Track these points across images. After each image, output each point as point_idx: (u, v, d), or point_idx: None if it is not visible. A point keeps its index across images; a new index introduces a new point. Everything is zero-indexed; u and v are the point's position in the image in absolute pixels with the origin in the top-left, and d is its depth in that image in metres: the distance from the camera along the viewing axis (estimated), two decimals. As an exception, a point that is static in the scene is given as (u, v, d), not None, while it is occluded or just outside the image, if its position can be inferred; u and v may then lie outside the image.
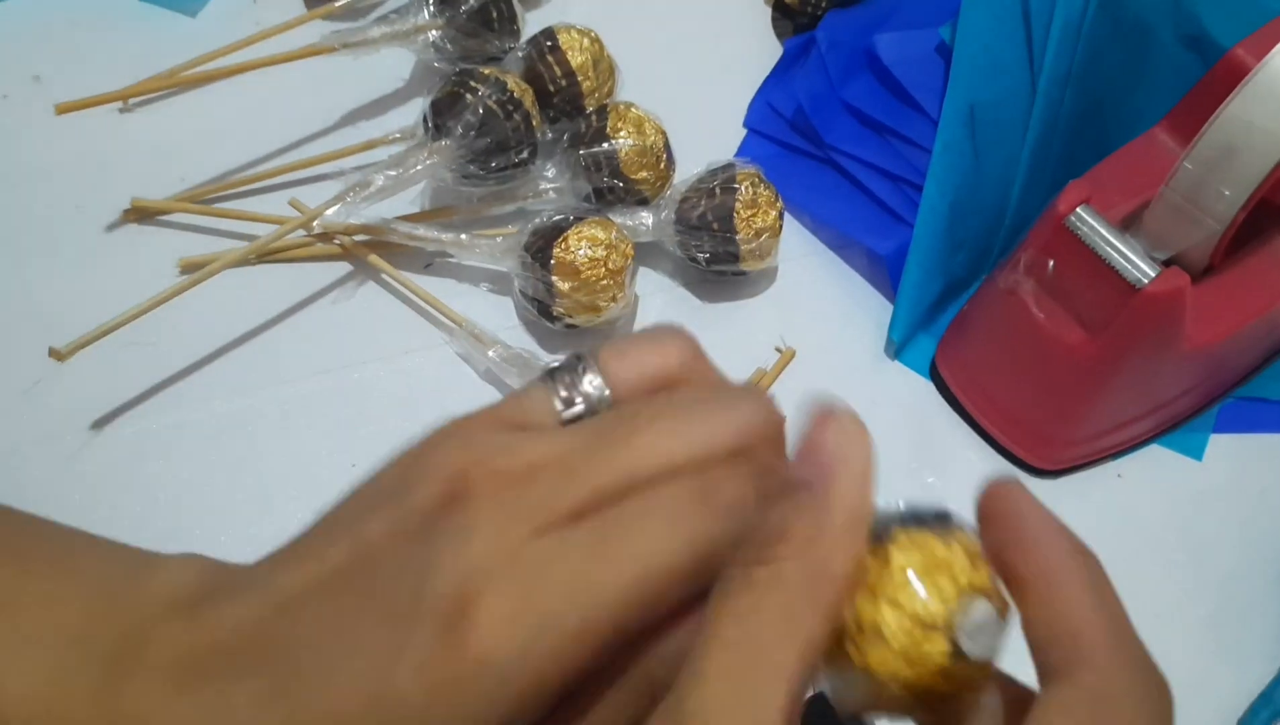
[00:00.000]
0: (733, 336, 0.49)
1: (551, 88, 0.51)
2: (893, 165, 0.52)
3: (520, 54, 0.52)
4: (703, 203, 0.48)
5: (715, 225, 0.48)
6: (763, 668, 0.21)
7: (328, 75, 0.53)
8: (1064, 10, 0.46)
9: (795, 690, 0.21)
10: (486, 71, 0.49)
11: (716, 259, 0.49)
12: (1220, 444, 0.49)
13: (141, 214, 0.51)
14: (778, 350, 0.49)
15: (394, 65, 0.56)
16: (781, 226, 0.49)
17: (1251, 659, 0.43)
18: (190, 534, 0.44)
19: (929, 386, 0.49)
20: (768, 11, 0.60)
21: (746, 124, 0.56)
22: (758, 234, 0.48)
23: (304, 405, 0.47)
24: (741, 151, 0.56)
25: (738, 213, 0.48)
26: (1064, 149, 0.50)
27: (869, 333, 0.50)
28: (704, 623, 0.22)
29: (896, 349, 0.50)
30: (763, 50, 0.59)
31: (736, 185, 0.48)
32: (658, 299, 0.51)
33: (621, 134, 0.49)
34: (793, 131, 0.55)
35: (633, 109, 0.50)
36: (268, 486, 0.45)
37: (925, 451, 0.48)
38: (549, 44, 0.51)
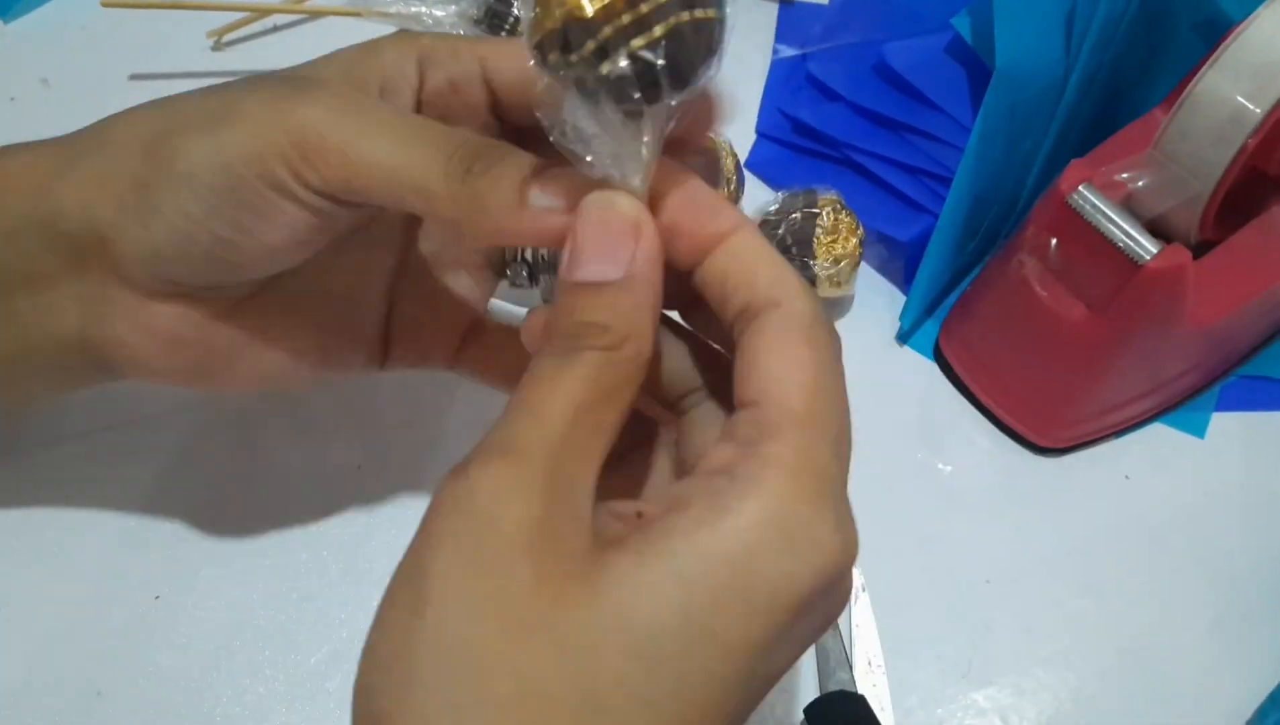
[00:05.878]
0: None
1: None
2: (911, 159, 0.52)
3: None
4: (783, 227, 0.48)
5: (794, 249, 0.48)
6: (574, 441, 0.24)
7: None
8: (1106, 8, 0.46)
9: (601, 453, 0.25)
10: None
11: None
12: (1228, 438, 0.49)
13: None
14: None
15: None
16: (861, 255, 0.49)
17: (1260, 660, 0.43)
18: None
19: (934, 369, 0.50)
20: (771, 10, 0.60)
21: (759, 130, 0.56)
22: (836, 261, 0.48)
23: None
24: (753, 156, 0.55)
25: (818, 239, 0.48)
26: (1080, 140, 0.51)
27: (881, 322, 0.51)
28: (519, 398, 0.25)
29: (905, 334, 0.50)
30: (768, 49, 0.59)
31: (818, 211, 0.48)
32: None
33: None
34: (802, 135, 0.55)
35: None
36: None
37: (930, 432, 0.48)
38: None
